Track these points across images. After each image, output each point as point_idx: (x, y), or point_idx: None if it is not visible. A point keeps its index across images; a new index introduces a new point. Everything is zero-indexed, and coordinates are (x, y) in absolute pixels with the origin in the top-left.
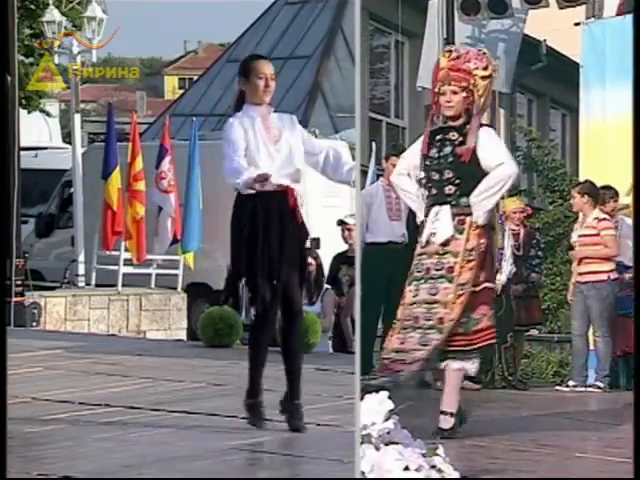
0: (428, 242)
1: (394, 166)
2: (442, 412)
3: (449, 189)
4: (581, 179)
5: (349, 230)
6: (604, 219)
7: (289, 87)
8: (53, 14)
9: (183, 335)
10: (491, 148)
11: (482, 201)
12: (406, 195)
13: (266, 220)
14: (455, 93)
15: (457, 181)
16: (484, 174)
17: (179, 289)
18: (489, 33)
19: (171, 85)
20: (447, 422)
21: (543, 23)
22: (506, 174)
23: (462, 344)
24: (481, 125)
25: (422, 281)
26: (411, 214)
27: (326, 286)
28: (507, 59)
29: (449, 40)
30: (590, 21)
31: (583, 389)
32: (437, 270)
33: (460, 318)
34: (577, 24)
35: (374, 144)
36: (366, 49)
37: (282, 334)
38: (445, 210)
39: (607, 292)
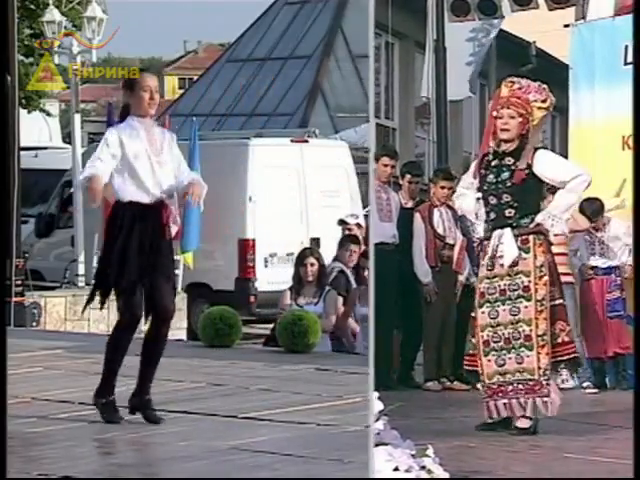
0: (494, 265)
1: (385, 166)
2: (522, 415)
3: (509, 212)
4: None
5: (349, 230)
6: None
7: (289, 87)
8: (53, 14)
9: (183, 335)
10: (558, 165)
11: (564, 213)
12: (467, 215)
13: (139, 231)
14: (512, 117)
15: (515, 204)
16: (539, 194)
17: (179, 289)
18: (482, 46)
19: (171, 85)
20: (525, 423)
21: (533, 25)
22: (584, 184)
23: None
24: (536, 149)
25: (498, 303)
26: (402, 214)
27: (328, 287)
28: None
29: (439, 42)
30: (579, 23)
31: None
32: (513, 291)
33: (546, 333)
34: (566, 26)
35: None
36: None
37: (148, 339)
38: (507, 233)
39: (576, 292)
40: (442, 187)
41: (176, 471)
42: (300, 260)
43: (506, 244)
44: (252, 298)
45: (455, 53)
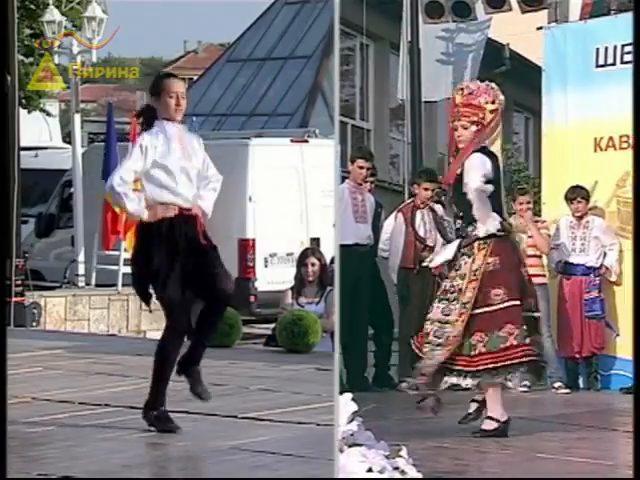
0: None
1: (360, 168)
2: (488, 417)
3: (458, 223)
4: (543, 182)
5: None
6: (544, 221)
7: (289, 87)
8: (53, 14)
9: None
10: (468, 171)
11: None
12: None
13: (174, 243)
14: (465, 128)
15: (461, 213)
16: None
17: None
18: (459, 45)
19: None
20: (490, 425)
21: (506, 27)
22: (470, 189)
23: (488, 362)
24: (473, 152)
25: (436, 300)
26: (376, 216)
27: (329, 287)
28: (474, 64)
29: (413, 44)
30: (552, 25)
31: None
32: (451, 293)
33: (463, 336)
34: (539, 28)
35: (340, 146)
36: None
37: (205, 313)
38: (454, 243)
39: (549, 293)
40: (425, 189)
41: (176, 471)
42: (301, 260)
43: (447, 249)
44: (252, 298)
45: (428, 53)
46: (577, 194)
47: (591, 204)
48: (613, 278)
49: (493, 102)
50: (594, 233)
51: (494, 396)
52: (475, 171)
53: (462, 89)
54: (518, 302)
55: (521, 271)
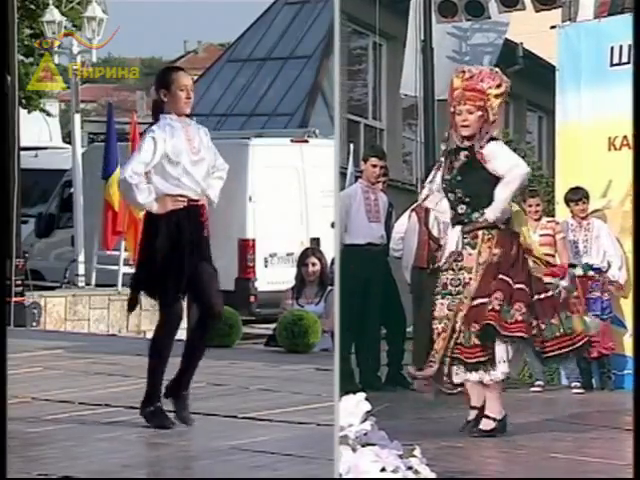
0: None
1: (374, 167)
2: (485, 416)
3: (461, 208)
4: (557, 181)
5: None
6: (558, 222)
7: (289, 87)
8: (53, 14)
9: (183, 335)
10: (501, 156)
11: (502, 204)
12: (443, 216)
13: (180, 235)
14: (471, 113)
15: (467, 199)
16: (491, 187)
17: None
18: (474, 46)
19: None
20: (488, 425)
21: (520, 26)
22: (517, 174)
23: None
24: (490, 139)
25: (439, 296)
26: (389, 215)
27: (330, 287)
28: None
29: (426, 43)
30: (566, 24)
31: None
32: (455, 286)
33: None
34: (553, 27)
35: (352, 145)
36: (344, 51)
37: (192, 333)
38: (456, 230)
39: None
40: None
41: (176, 471)
42: (302, 260)
43: (449, 239)
44: (252, 298)
45: (438, 49)
46: (581, 195)
47: (605, 203)
48: (621, 293)
49: (499, 86)
50: (595, 233)
51: (494, 394)
52: (515, 156)
53: (463, 72)
54: (525, 287)
55: (527, 262)
